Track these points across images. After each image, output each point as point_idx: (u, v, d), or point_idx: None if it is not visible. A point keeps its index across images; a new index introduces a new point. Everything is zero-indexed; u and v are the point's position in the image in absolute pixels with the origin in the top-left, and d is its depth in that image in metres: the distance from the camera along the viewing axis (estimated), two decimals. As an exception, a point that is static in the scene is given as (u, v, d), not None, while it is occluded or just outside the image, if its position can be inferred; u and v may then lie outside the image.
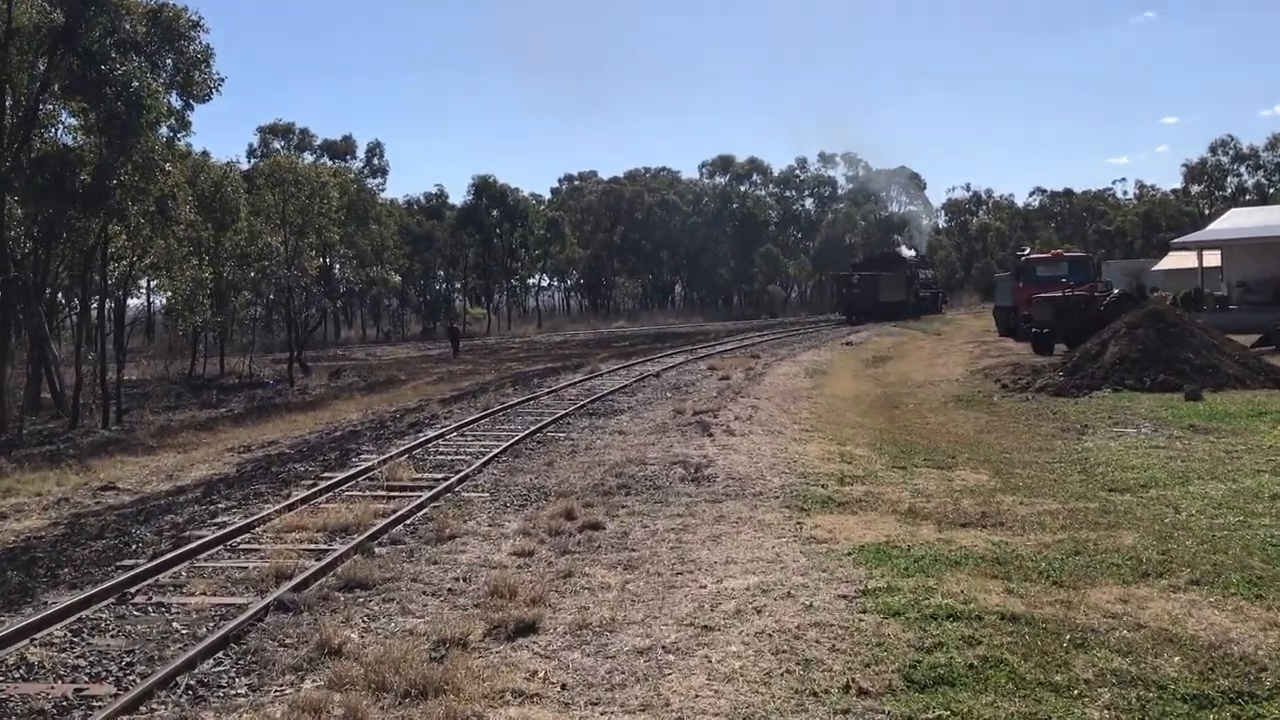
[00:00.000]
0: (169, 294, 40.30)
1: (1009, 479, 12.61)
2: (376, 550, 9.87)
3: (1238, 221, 47.80)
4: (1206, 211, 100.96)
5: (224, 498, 13.73)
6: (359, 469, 14.69)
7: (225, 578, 9.18)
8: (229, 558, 10.03)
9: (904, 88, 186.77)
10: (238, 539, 10.70)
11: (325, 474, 14.90)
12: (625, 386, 25.49)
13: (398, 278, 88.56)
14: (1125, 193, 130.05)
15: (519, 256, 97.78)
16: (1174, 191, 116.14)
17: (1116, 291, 37.26)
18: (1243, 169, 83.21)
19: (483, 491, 12.90)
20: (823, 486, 11.91)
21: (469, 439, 17.61)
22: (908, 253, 76.24)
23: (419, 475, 14.25)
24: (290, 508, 12.06)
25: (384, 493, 13.13)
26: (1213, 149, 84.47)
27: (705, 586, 8.04)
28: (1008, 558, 8.51)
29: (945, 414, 20.41)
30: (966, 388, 25.38)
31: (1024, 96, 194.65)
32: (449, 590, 8.38)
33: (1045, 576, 7.91)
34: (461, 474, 13.92)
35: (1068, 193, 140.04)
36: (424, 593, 8.33)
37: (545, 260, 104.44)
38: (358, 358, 58.99)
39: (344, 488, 13.53)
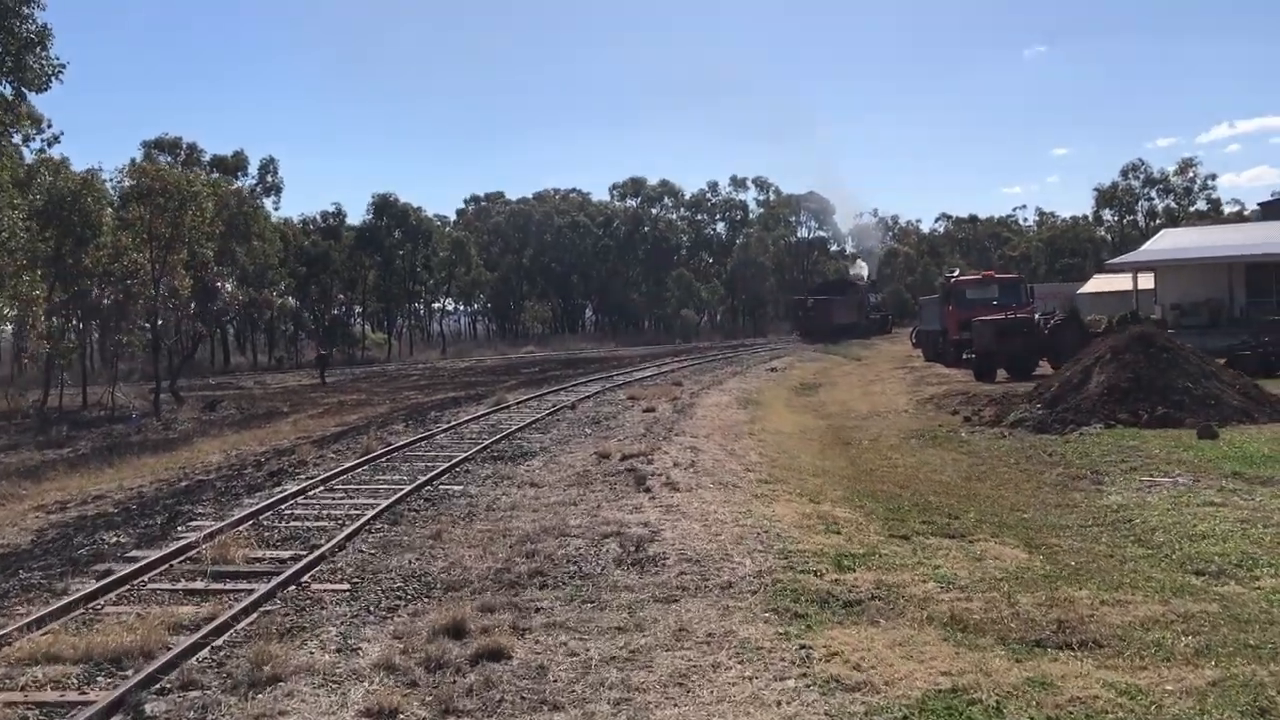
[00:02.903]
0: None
1: (1053, 556, 9.48)
2: (148, 708, 6.25)
3: (1170, 243, 46.31)
4: (1109, 238, 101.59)
5: (-22, 593, 9.89)
6: (181, 544, 10.94)
7: None
8: (-97, 727, 6.31)
9: (807, 117, 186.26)
10: (-57, 682, 6.96)
11: (135, 551, 11.14)
12: (536, 421, 21.99)
13: (291, 300, 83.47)
14: (1026, 220, 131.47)
15: (422, 279, 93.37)
16: (1074, 217, 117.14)
17: (1060, 314, 35.02)
18: (1153, 193, 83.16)
19: (340, 583, 9.30)
20: (816, 574, 8.59)
21: (338, 496, 13.92)
22: (859, 277, 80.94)
23: (259, 554, 10.59)
24: (53, 616, 8.33)
25: (202, 585, 9.45)
26: (1124, 173, 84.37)
27: (688, 810, 4.64)
28: (1165, 727, 5.28)
29: (913, 454, 17.39)
30: (922, 421, 22.51)
31: (923, 128, 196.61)
32: (237, 816, 4.84)
33: (1264, 778, 4.70)
34: (317, 552, 10.30)
35: (973, 219, 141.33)
36: (192, 822, 4.77)
37: (450, 283, 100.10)
38: (243, 386, 54.26)
39: (149, 575, 9.80)
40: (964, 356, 38.34)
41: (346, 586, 9.16)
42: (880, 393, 31.72)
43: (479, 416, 23.52)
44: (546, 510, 11.93)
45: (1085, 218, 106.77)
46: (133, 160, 38.99)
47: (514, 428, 20.69)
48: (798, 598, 7.95)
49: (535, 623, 7.72)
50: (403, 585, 9.10)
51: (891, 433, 20.67)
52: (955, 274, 48.18)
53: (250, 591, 9.01)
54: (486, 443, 18.48)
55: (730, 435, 18.86)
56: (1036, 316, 33.98)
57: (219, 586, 9.39)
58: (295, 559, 10.25)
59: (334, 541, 10.75)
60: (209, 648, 7.51)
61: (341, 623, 8.04)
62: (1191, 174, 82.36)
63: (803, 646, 6.79)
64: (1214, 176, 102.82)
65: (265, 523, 12.21)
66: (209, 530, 11.43)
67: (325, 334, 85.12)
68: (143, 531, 12.49)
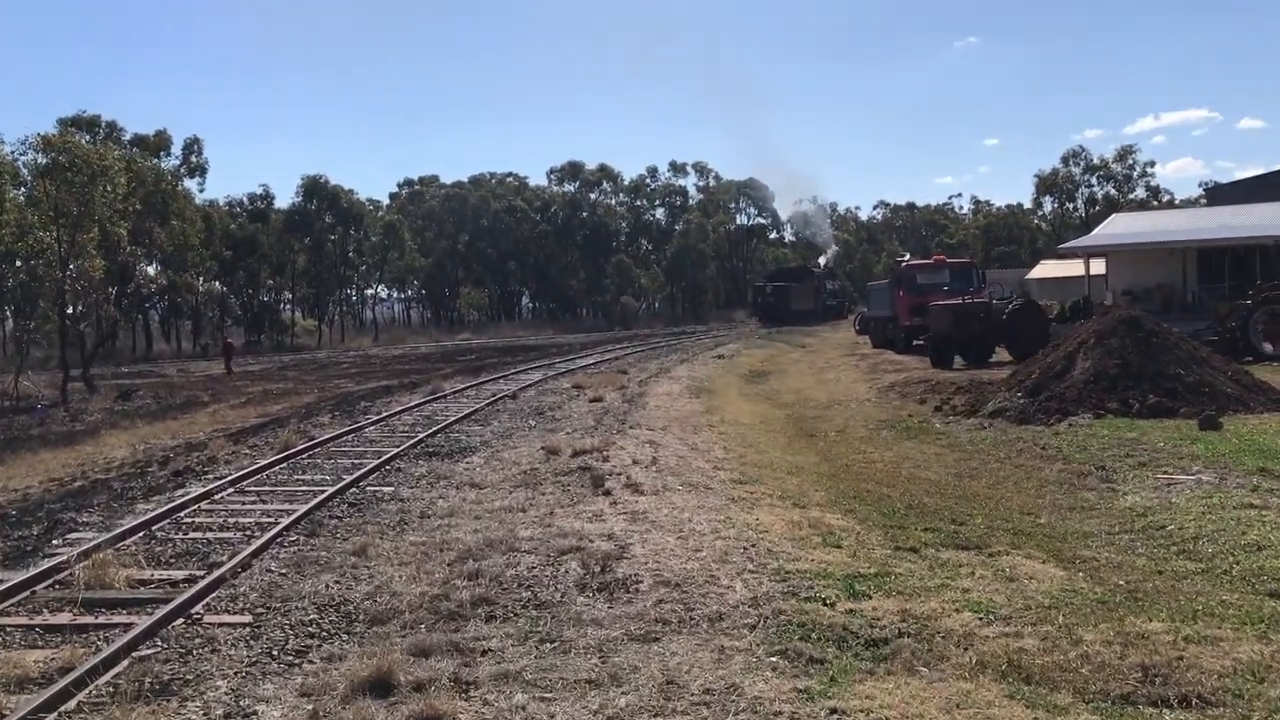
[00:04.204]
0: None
1: (1095, 573, 8.07)
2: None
3: (1121, 227, 45.69)
4: (1041, 226, 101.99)
5: None
6: (51, 563, 9.10)
7: None
8: None
9: (744, 103, 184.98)
10: None
11: (-5, 572, 9.28)
12: (476, 412, 20.27)
13: (218, 284, 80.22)
14: (962, 208, 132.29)
15: (354, 264, 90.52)
16: (1009, 205, 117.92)
17: (1018, 299, 34.01)
18: (1094, 179, 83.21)
19: (240, 614, 7.58)
20: (825, 602, 7.06)
21: (249, 499, 12.13)
22: (821, 263, 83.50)
23: (145, 575, 8.81)
24: None
25: (67, 619, 7.67)
26: (1064, 159, 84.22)
27: None
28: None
29: (889, 447, 16.01)
30: (888, 410, 21.17)
31: (857, 117, 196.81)
32: None
33: None
34: (216, 573, 8.55)
35: (910, 206, 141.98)
36: None
37: (383, 269, 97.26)
38: (165, 375, 51.55)
39: (2, 607, 7.98)
40: (915, 343, 37.35)
41: (247, 619, 7.45)
42: (835, 380, 30.46)
43: (413, 407, 21.74)
44: (490, 518, 10.28)
45: (1021, 205, 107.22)
46: (44, 137, 35.97)
47: (451, 419, 18.97)
48: (808, 635, 6.42)
49: (482, 672, 6.09)
50: (317, 617, 7.41)
51: (858, 423, 19.31)
52: (906, 258, 47.22)
53: (125, 628, 7.28)
54: (421, 436, 16.76)
55: (688, 427, 17.33)
56: (993, 302, 32.98)
57: (88, 621, 7.61)
58: (189, 581, 8.52)
59: (238, 559, 9.01)
60: (57, 713, 5.77)
61: (235, 673, 6.34)
62: (1131, 161, 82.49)
63: (833, 711, 5.25)
64: (1153, 164, 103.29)
65: (160, 534, 10.42)
66: (89, 545, 9.60)
67: (254, 321, 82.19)
68: (14, 545, 10.61)
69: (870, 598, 7.15)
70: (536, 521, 9.88)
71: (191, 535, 10.30)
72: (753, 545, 8.54)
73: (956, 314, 31.27)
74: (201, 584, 8.23)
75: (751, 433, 17.60)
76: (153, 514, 11.14)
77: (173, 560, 9.37)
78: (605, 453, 13.71)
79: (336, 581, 8.26)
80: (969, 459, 14.24)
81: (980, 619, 6.70)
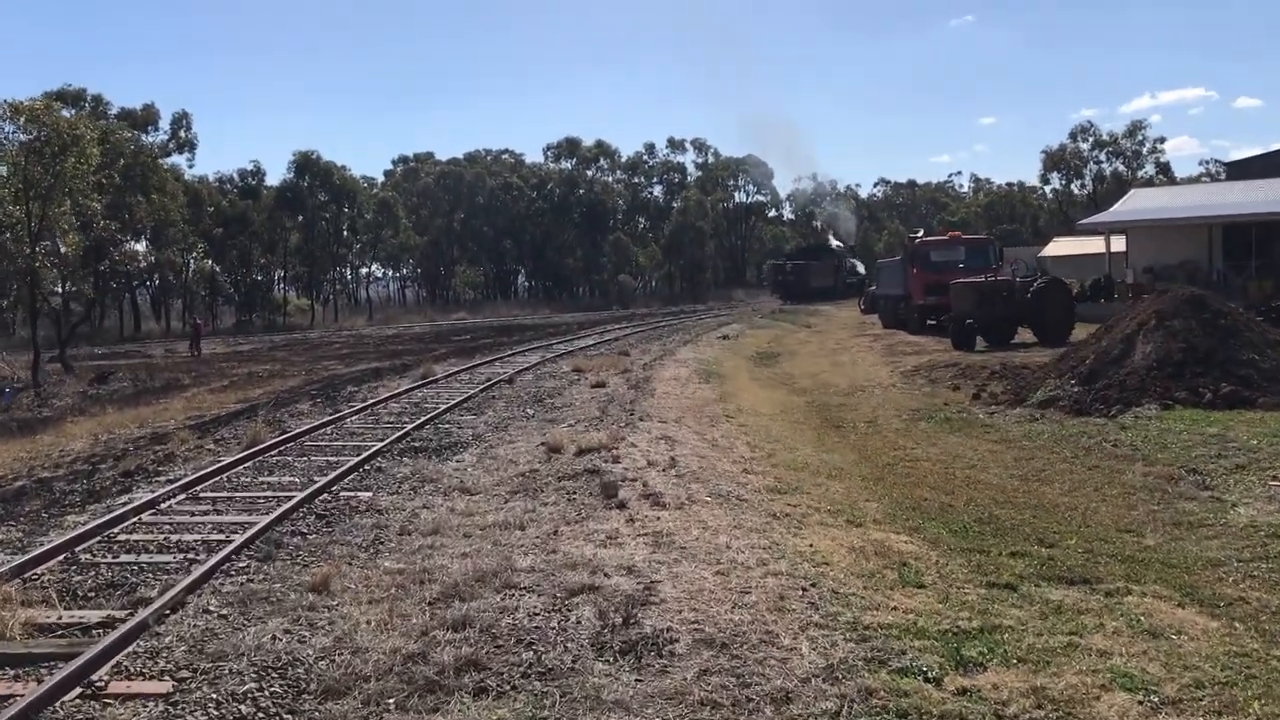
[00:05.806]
0: None
1: (1254, 623, 6.35)
2: None
3: (1140, 203, 43.87)
4: (1044, 205, 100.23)
5: None
6: (-60, 600, 7.36)
7: None
8: None
9: (743, 79, 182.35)
10: None
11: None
12: (468, 399, 18.52)
13: (209, 263, 78.18)
14: (962, 186, 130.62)
15: (347, 242, 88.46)
16: (1009, 184, 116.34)
17: (1044, 277, 32.25)
18: (1102, 155, 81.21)
19: (158, 679, 5.83)
20: (927, 677, 5.30)
21: (202, 508, 10.35)
22: (835, 244, 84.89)
23: (53, 617, 7.05)
24: None
25: (-70, 689, 5.92)
26: (1073, 135, 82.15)
27: None
28: None
29: (931, 442, 14.26)
30: (917, 398, 19.44)
31: (855, 96, 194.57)
32: None
33: None
34: (140, 615, 6.80)
35: (911, 184, 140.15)
36: None
37: (377, 247, 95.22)
38: (149, 355, 49.78)
39: None
40: (930, 322, 35.70)
41: (166, 689, 5.71)
42: (852, 363, 28.71)
43: (401, 393, 19.97)
44: (482, 537, 8.52)
45: (1023, 183, 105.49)
46: (12, 104, 33.81)
47: (442, 408, 17.23)
48: (917, 734, 4.67)
49: (468, 792, 4.35)
50: (255, 687, 5.66)
51: (889, 413, 17.57)
52: (919, 234, 45.41)
53: (3, 704, 5.54)
54: (407, 428, 15.02)
55: (704, 419, 15.57)
56: (1016, 280, 31.22)
57: (-41, 690, 5.87)
58: (105, 627, 6.80)
59: (170, 594, 7.26)
60: None
61: (128, 786, 4.60)
62: (1140, 136, 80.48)
63: None
64: (1163, 140, 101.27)
65: (85, 556, 8.66)
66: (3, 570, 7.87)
67: (245, 300, 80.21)
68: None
69: (985, 668, 5.40)
70: (538, 544, 8.12)
71: (122, 559, 8.54)
72: (813, 584, 6.78)
73: (980, 292, 29.52)
74: (117, 633, 6.49)
75: (774, 425, 15.85)
76: (84, 529, 9.37)
77: (91, 595, 7.62)
78: (614, 450, 11.95)
79: (287, 630, 6.51)
80: (1030, 458, 12.50)
81: (1140, 703, 4.97)
